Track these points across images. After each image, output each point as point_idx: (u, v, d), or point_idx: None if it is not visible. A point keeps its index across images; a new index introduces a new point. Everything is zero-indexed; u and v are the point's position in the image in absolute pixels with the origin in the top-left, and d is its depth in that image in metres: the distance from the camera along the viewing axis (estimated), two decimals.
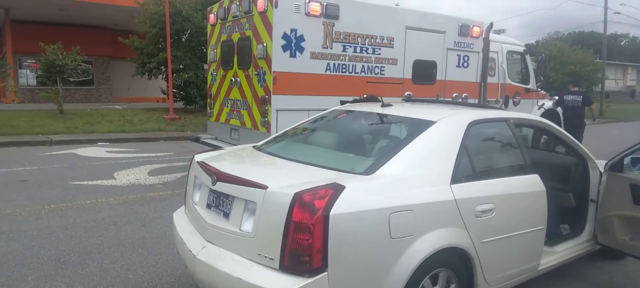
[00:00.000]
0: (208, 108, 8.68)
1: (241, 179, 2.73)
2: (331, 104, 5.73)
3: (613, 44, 63.78)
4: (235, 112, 7.64)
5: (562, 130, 3.99)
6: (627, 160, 3.89)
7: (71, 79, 18.33)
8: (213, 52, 8.26)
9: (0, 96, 24.29)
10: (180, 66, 17.24)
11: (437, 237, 2.73)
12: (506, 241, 3.15)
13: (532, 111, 10.24)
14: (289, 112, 6.58)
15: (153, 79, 19.42)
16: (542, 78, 10.39)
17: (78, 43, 17.18)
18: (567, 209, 4.25)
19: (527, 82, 10.24)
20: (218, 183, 2.85)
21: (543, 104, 10.41)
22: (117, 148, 10.87)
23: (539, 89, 10.39)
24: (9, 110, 16.36)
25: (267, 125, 6.73)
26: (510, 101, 9.81)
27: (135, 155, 9.86)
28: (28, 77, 24.22)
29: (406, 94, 8.00)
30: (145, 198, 6.29)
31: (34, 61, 19.74)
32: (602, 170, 4.01)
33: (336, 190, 2.45)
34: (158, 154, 9.98)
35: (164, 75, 17.84)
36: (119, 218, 5.37)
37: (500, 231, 3.10)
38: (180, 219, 3.34)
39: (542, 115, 10.17)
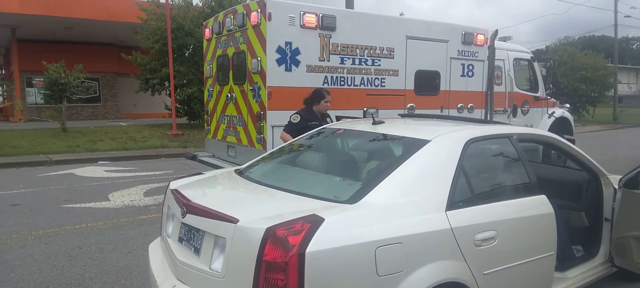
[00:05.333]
0: (205, 125, 8.48)
1: (211, 211, 2.47)
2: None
3: (625, 48, 62.87)
4: (231, 128, 7.42)
5: (570, 144, 3.68)
6: None
7: (76, 97, 18.37)
8: (209, 68, 8.07)
9: (8, 115, 24.48)
10: (184, 81, 17.16)
11: (432, 272, 2.44)
12: (511, 271, 2.84)
13: (542, 119, 9.89)
14: None
15: (157, 95, 19.39)
16: (551, 85, 10.04)
17: (84, 60, 17.24)
18: (579, 229, 3.93)
19: (535, 90, 9.90)
20: (188, 215, 2.60)
21: (553, 112, 10.05)
22: (117, 167, 10.70)
23: (548, 97, 10.04)
24: (13, 130, 16.37)
25: (263, 142, 6.49)
26: (519, 110, 9.47)
27: (133, 174, 9.67)
28: (36, 95, 24.35)
29: (409, 105, 7.74)
30: (136, 222, 6.06)
31: (40, 80, 19.84)
32: (616, 187, 3.69)
33: (314, 223, 2.18)
34: (157, 173, 9.78)
35: (168, 91, 17.78)
36: (106, 245, 5.13)
37: (503, 261, 2.79)
38: (155, 252, 3.09)
39: (553, 124, 9.84)
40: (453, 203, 2.64)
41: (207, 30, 8.09)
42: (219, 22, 7.51)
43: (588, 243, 3.89)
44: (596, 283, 3.79)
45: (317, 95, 5.44)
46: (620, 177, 3.71)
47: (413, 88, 7.77)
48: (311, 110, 5.41)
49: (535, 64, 9.95)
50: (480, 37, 8.35)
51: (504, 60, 9.18)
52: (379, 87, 7.45)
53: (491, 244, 2.71)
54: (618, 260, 3.69)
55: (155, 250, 3.13)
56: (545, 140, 3.66)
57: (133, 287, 4.06)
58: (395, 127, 3.48)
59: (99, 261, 4.65)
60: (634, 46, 72.15)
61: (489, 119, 8.05)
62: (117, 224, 5.93)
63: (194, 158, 8.23)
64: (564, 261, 3.64)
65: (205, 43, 8.29)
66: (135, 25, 18.54)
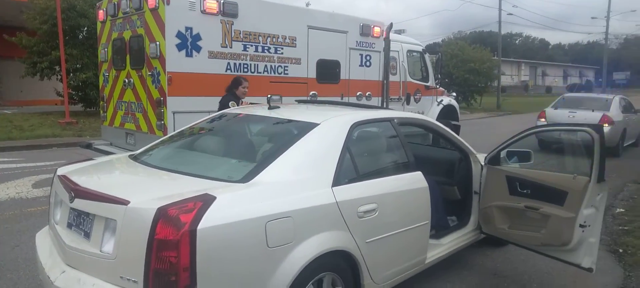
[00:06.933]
0: (101, 111, 8.08)
1: (100, 195, 2.48)
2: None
3: (508, 43, 69.62)
4: (130, 115, 7.17)
5: (445, 127, 4.14)
6: (503, 154, 4.15)
7: None
8: (104, 52, 7.69)
9: None
10: (78, 66, 15.99)
11: (319, 242, 2.68)
12: (390, 239, 3.18)
13: (432, 107, 10.75)
14: (186, 114, 6.27)
15: (48, 80, 17.83)
16: (439, 76, 10.93)
17: None
18: (453, 202, 4.44)
19: (426, 79, 10.71)
20: (76, 200, 2.58)
21: (441, 100, 10.96)
22: (0, 158, 9.78)
23: (437, 86, 10.92)
24: None
25: (163, 128, 6.37)
26: (412, 98, 10.20)
27: (20, 165, 8.93)
28: None
29: (311, 93, 8.02)
30: (24, 214, 5.67)
31: None
32: (483, 164, 4.23)
33: (206, 201, 2.30)
34: (48, 163, 9.11)
35: (59, 76, 16.44)
36: None
37: (383, 230, 3.12)
38: (43, 240, 3.00)
39: (441, 111, 10.73)
40: (338, 180, 2.90)
41: (100, 11, 7.69)
42: (114, 3, 7.17)
43: (460, 213, 4.41)
44: (468, 248, 4.34)
45: (235, 82, 5.97)
46: (486, 155, 4.26)
47: (315, 76, 8.06)
48: (235, 94, 5.85)
49: (426, 56, 10.77)
50: (377, 29, 8.85)
51: (398, 51, 9.82)
52: (282, 75, 7.63)
53: (372, 215, 3.02)
54: (485, 227, 4.24)
55: (42, 238, 3.04)
56: (423, 123, 4.08)
57: (20, 280, 3.86)
58: (290, 111, 3.67)
59: None
60: (517, 41, 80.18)
61: (385, 106, 8.61)
62: (1, 218, 5.51)
63: (89, 146, 7.81)
64: (440, 230, 4.12)
65: (99, 25, 7.87)
66: (19, 4, 16.83)
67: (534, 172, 3.91)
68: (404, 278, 3.45)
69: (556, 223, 3.59)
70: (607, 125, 10.33)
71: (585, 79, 63.72)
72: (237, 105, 5.58)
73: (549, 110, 12.04)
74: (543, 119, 11.85)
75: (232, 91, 5.93)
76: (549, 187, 3.70)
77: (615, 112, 11.19)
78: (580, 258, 3.56)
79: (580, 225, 3.46)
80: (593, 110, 11.15)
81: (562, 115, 11.48)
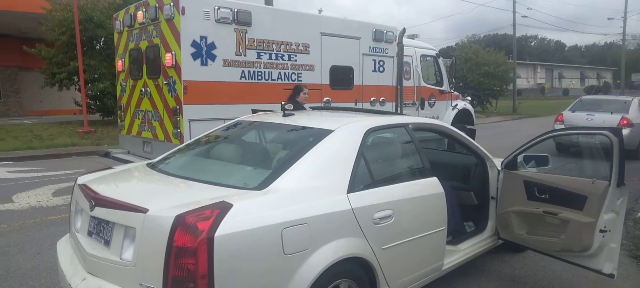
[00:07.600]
0: (119, 120, 8.21)
1: (120, 203, 2.52)
2: (247, 112, 5.61)
3: (523, 45, 68.94)
4: (147, 124, 7.27)
5: (460, 132, 4.11)
6: (520, 158, 4.10)
7: None
8: (121, 61, 7.82)
9: None
10: (95, 75, 16.29)
11: (335, 249, 2.68)
12: (407, 245, 3.16)
13: (446, 111, 10.68)
14: (202, 122, 6.35)
15: (66, 90, 18.20)
16: (454, 80, 10.86)
17: None
18: (470, 207, 4.40)
19: (441, 84, 10.65)
20: (96, 208, 2.62)
21: (456, 104, 10.88)
22: (22, 167, 9.99)
23: (452, 90, 10.85)
24: None
25: (179, 136, 6.45)
26: (426, 103, 10.15)
27: (40, 174, 9.11)
28: None
29: (325, 99, 8.03)
30: (45, 222, 5.78)
31: None
32: (499, 169, 4.19)
33: (223, 209, 2.32)
34: (67, 172, 9.28)
35: (77, 86, 16.77)
36: (11, 247, 4.87)
37: (400, 236, 3.10)
38: (64, 248, 3.06)
39: (456, 115, 10.65)
40: (354, 187, 2.89)
41: (117, 22, 7.83)
42: (131, 14, 7.30)
43: (477, 219, 4.36)
44: (485, 254, 4.30)
45: (296, 90, 6.48)
46: (502, 160, 4.22)
47: (328, 82, 8.08)
48: (296, 101, 6.17)
49: (440, 60, 10.72)
50: (390, 35, 8.85)
51: (411, 56, 9.79)
52: (296, 82, 7.66)
53: (388, 222, 3.01)
54: (502, 233, 4.19)
55: (63, 246, 3.10)
56: (438, 128, 4.07)
57: None
58: (304, 118, 3.68)
59: (2, 264, 4.42)
60: (532, 43, 79.34)
61: (399, 111, 8.59)
62: (23, 226, 5.63)
63: (107, 155, 7.93)
64: (457, 236, 4.08)
65: (116, 36, 8.01)
66: (38, 16, 17.24)
67: (552, 176, 3.86)
68: (421, 285, 3.42)
69: (576, 228, 3.54)
70: (626, 127, 10.14)
71: (603, 81, 62.70)
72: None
73: (567, 113, 11.88)
74: (560, 122, 11.68)
75: (293, 98, 6.26)
76: (567, 192, 3.64)
77: (634, 114, 10.98)
78: (601, 264, 3.50)
79: (601, 230, 3.40)
80: (611, 113, 10.96)
81: (580, 118, 11.31)
